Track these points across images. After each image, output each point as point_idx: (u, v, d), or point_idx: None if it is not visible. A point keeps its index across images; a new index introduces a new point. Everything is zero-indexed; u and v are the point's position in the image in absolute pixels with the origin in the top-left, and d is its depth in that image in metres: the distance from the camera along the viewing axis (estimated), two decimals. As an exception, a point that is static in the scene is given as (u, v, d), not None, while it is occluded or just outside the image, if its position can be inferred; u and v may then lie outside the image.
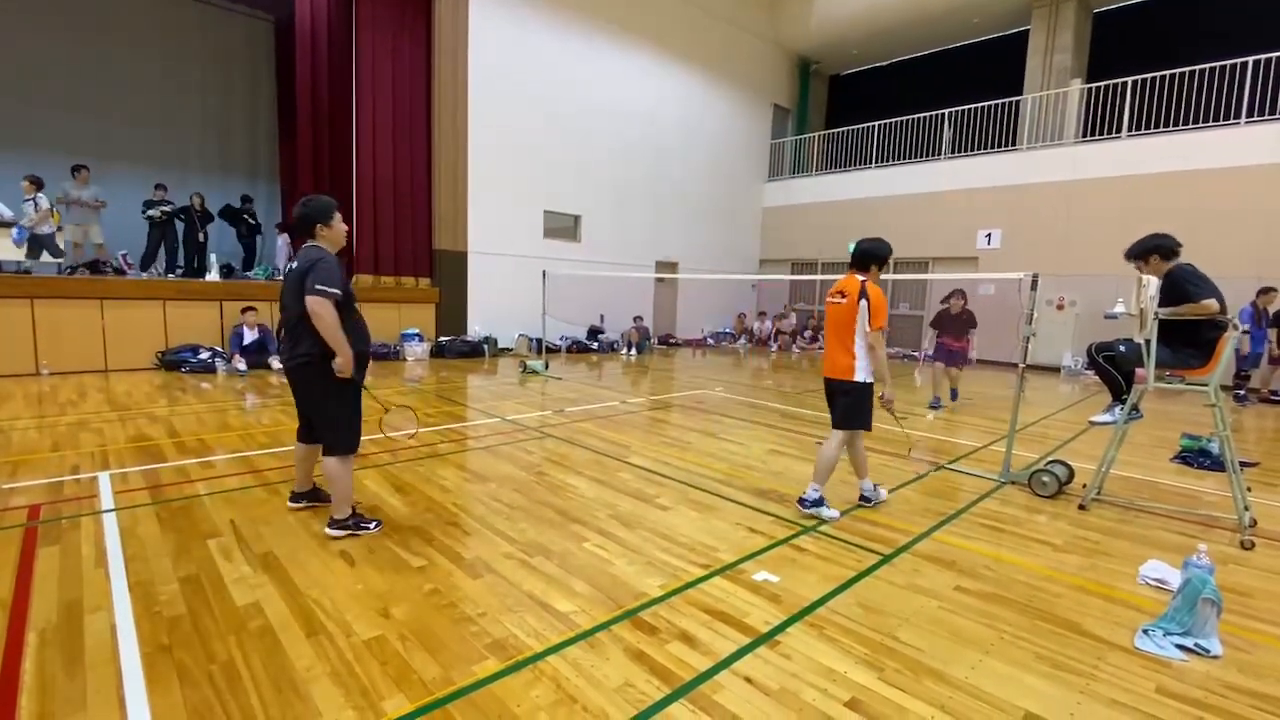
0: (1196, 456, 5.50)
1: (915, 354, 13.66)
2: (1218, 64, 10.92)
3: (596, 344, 13.37)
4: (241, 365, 8.74)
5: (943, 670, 2.30)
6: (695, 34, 15.21)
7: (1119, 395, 4.24)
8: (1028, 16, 14.30)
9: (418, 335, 11.01)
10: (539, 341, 11.28)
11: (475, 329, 11.96)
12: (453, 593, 2.75)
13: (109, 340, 8.40)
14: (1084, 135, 12.65)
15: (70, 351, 8.11)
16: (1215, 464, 5.28)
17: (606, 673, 2.21)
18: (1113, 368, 4.19)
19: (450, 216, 11.62)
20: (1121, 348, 4.12)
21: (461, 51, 11.24)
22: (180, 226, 10.69)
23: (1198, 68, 11.12)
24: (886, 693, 2.15)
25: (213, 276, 9.95)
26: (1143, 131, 11.73)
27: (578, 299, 12.23)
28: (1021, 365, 4.62)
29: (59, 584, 2.71)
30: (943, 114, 14.40)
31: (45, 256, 8.49)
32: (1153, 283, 3.83)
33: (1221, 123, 10.89)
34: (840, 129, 16.60)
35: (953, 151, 14.35)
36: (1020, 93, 13.85)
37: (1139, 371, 3.93)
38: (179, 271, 10.55)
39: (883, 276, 3.97)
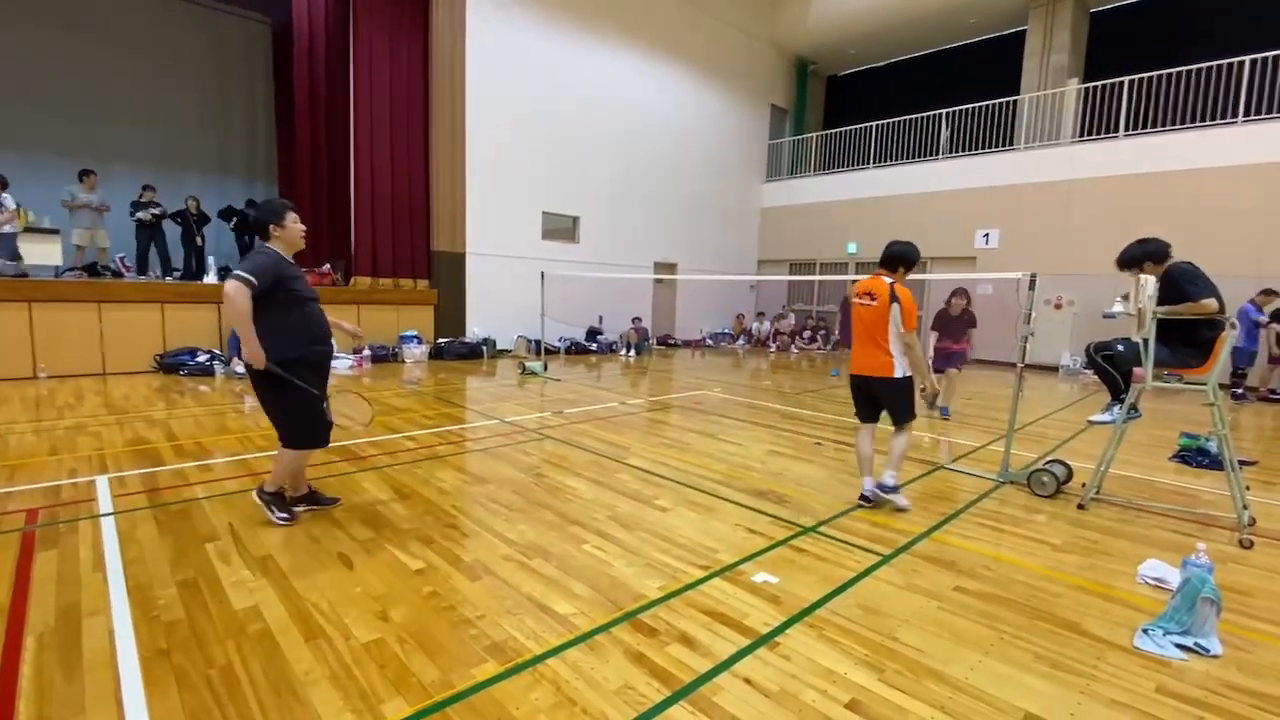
0: (1195, 455, 5.50)
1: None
2: (1215, 63, 10.94)
3: (595, 345, 13.36)
4: (239, 368, 8.72)
5: (942, 671, 2.29)
6: (693, 35, 15.22)
7: (1117, 394, 4.25)
8: (1025, 16, 14.32)
9: (416, 337, 11.00)
10: (537, 343, 11.26)
11: (474, 330, 11.95)
12: (451, 595, 2.74)
13: (107, 343, 8.38)
14: (1081, 135, 12.67)
15: (68, 355, 8.08)
16: (1214, 463, 5.28)
17: (606, 675, 2.20)
18: (1111, 367, 4.20)
19: (448, 218, 11.62)
20: (1120, 347, 4.13)
21: (459, 53, 11.23)
22: (176, 229, 10.62)
23: (1195, 67, 11.14)
24: (886, 694, 2.15)
25: (211, 279, 9.93)
26: (1140, 131, 11.75)
27: (576, 300, 12.21)
28: (1020, 365, 4.63)
29: (57, 588, 2.70)
30: (940, 114, 14.41)
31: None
32: (1151, 282, 3.83)
33: (1219, 122, 10.91)
34: (838, 129, 16.61)
35: (950, 152, 14.36)
36: (1018, 93, 13.87)
37: (1137, 370, 3.93)
38: (176, 274, 10.50)
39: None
